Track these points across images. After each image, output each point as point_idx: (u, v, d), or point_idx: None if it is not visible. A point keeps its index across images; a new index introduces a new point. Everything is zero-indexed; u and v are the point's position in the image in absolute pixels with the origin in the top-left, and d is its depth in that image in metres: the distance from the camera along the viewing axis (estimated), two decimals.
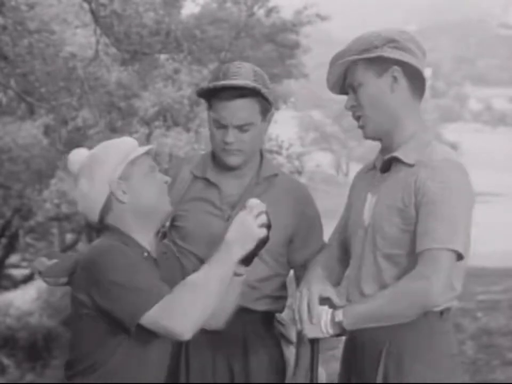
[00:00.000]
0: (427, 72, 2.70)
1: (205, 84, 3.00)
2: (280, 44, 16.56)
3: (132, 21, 10.90)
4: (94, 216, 2.59)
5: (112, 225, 2.57)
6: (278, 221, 2.67)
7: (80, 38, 12.76)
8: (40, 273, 2.70)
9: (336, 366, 2.85)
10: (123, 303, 2.38)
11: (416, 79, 2.66)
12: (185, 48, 11.78)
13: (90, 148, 2.68)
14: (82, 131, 13.27)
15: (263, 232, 2.46)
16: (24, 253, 22.09)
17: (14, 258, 21.67)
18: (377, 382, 2.61)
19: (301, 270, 3.07)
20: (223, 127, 2.94)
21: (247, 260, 2.50)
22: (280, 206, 2.96)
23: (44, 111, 13.13)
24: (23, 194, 15.00)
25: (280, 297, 3.08)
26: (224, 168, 3.02)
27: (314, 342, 2.69)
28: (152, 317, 2.36)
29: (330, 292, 2.68)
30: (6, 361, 15.47)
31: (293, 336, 3.07)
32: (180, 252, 2.89)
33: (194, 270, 2.51)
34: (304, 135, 60.08)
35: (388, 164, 2.69)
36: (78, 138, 13.13)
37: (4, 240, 19.50)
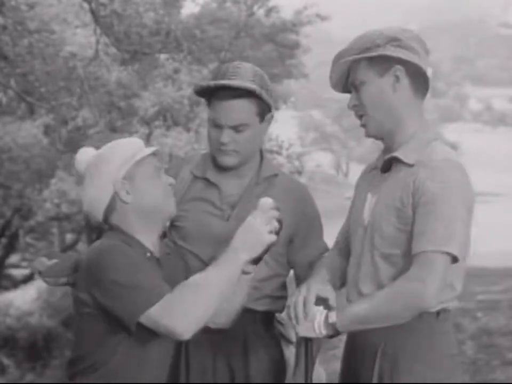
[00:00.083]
0: (430, 71, 2.69)
1: (202, 82, 3.00)
2: (280, 44, 16.57)
3: (131, 21, 10.91)
4: (99, 216, 2.59)
5: (116, 225, 2.58)
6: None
7: (80, 38, 12.76)
8: (40, 273, 2.70)
9: (337, 366, 2.86)
10: (124, 301, 2.38)
11: (418, 78, 2.65)
12: (185, 48, 11.79)
13: (97, 148, 2.68)
14: (82, 131, 13.28)
15: (272, 238, 2.43)
16: (24, 253, 22.11)
17: (14, 258, 21.69)
18: (373, 382, 2.61)
19: (301, 270, 3.07)
20: (219, 126, 2.93)
21: (256, 259, 2.48)
22: (280, 206, 2.96)
23: (44, 111, 13.14)
24: (23, 194, 15.01)
25: (280, 297, 3.08)
26: (223, 168, 3.02)
27: (307, 341, 2.69)
28: (153, 316, 2.36)
29: (329, 293, 2.68)
30: (6, 361, 15.48)
31: (293, 336, 3.07)
32: (180, 252, 2.89)
33: (195, 270, 2.51)
34: (304, 135, 60.12)
35: (388, 164, 2.69)
36: (78, 138, 13.13)
37: (4, 240, 19.51)
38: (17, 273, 21.72)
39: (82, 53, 11.95)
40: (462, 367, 2.72)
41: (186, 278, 2.54)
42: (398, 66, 2.62)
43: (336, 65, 2.71)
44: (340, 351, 2.86)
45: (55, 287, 2.87)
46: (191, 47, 11.97)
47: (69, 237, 21.99)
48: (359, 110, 2.70)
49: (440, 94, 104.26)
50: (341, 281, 2.84)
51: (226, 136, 2.92)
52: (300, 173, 15.26)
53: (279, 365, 3.06)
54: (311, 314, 2.61)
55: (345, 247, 2.88)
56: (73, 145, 13.30)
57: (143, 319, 2.37)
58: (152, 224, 2.59)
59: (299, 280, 3.07)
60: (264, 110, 2.97)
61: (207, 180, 3.04)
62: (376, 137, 2.74)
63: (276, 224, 2.44)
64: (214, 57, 14.24)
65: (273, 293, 3.05)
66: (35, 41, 10.34)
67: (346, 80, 2.75)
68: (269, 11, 15.87)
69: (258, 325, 3.02)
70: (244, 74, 2.92)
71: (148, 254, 2.56)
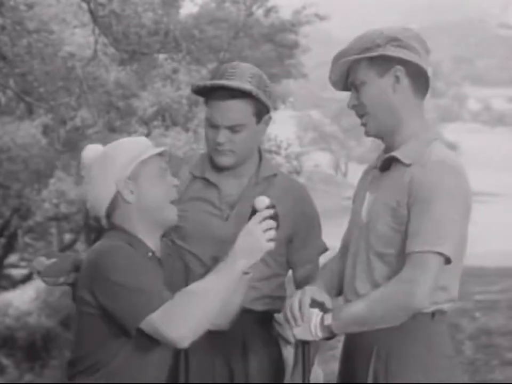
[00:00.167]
0: (430, 71, 2.68)
1: (200, 82, 3.00)
2: (279, 44, 16.56)
3: (130, 21, 10.91)
4: (101, 213, 2.59)
5: (118, 225, 2.57)
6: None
7: (79, 38, 12.76)
8: (39, 273, 2.70)
9: (335, 366, 2.86)
10: (125, 304, 2.38)
11: (419, 78, 2.65)
12: (183, 48, 11.78)
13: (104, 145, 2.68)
14: (81, 131, 13.28)
15: (270, 245, 2.46)
16: (23, 253, 22.11)
17: (12, 258, 21.68)
18: (368, 383, 2.61)
19: (300, 270, 3.08)
20: (216, 127, 2.93)
21: None
22: (279, 206, 2.95)
23: (43, 111, 13.15)
24: (22, 194, 14.99)
25: (279, 297, 3.08)
26: (220, 168, 3.02)
27: (304, 343, 2.69)
28: (152, 323, 2.36)
29: (323, 296, 2.69)
30: (4, 361, 15.48)
31: (291, 336, 3.07)
32: (178, 252, 2.89)
33: (194, 270, 2.51)
34: (302, 135, 60.10)
35: (387, 163, 2.69)
36: (77, 138, 13.14)
37: (2, 240, 19.50)
38: (16, 273, 21.71)
39: (81, 53, 11.96)
40: (460, 369, 2.71)
41: (186, 278, 2.54)
42: (398, 67, 2.61)
43: (336, 65, 2.71)
44: (338, 352, 2.86)
45: (53, 287, 2.88)
46: (190, 47, 11.97)
47: (68, 237, 21.98)
48: (359, 110, 2.70)
49: (439, 94, 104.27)
50: (341, 285, 2.84)
51: (223, 136, 2.92)
52: (298, 172, 15.27)
53: (278, 364, 3.05)
54: (306, 316, 2.62)
55: (347, 249, 2.88)
56: (71, 145, 13.32)
57: (143, 324, 2.37)
58: (154, 224, 2.59)
59: (297, 281, 3.07)
60: (262, 110, 2.96)
61: (206, 180, 3.04)
62: (376, 137, 2.74)
63: (273, 233, 2.47)
64: (213, 57, 14.23)
65: (272, 293, 3.05)
66: (34, 41, 10.34)
67: (346, 79, 2.74)
68: (268, 11, 15.87)
69: (257, 325, 3.02)
70: (242, 75, 2.91)
71: (150, 254, 2.56)
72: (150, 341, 2.45)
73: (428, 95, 2.73)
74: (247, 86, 2.88)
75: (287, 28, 16.36)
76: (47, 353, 15.69)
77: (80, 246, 20.06)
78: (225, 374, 2.99)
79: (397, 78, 2.63)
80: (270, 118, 3.03)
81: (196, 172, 3.07)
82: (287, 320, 2.67)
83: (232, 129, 2.92)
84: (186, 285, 2.62)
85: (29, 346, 15.85)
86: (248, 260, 2.44)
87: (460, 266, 2.59)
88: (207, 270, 2.86)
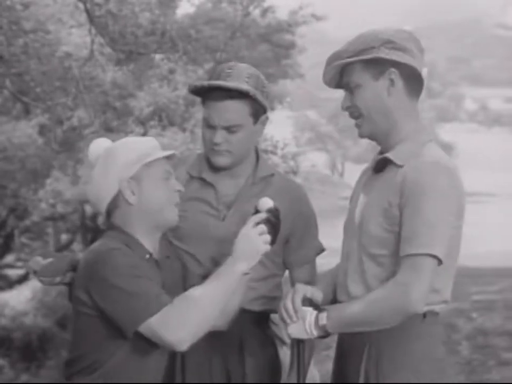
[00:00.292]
0: (425, 71, 2.69)
1: (197, 82, 3.00)
2: (276, 44, 16.55)
3: (127, 21, 10.90)
4: (102, 210, 2.58)
5: (117, 224, 2.57)
6: None
7: (75, 38, 12.75)
8: (35, 272, 2.70)
9: (330, 366, 2.86)
10: (123, 307, 2.38)
11: (413, 79, 2.65)
12: (180, 48, 11.77)
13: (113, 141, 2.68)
14: (78, 131, 13.28)
15: (267, 248, 2.51)
16: (19, 253, 22.08)
17: (9, 258, 21.66)
18: (359, 383, 2.61)
19: (296, 270, 3.08)
20: (212, 127, 2.93)
21: None
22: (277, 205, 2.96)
23: (39, 111, 13.14)
24: (19, 193, 14.99)
25: (276, 297, 3.08)
26: (217, 168, 3.02)
27: (299, 342, 2.70)
28: (150, 327, 2.37)
29: (316, 294, 2.70)
30: (0, 361, 15.46)
31: (286, 336, 3.07)
32: (176, 252, 2.89)
33: (192, 270, 2.50)
34: (299, 135, 60.17)
35: (381, 165, 2.69)
36: (73, 138, 13.14)
37: None
38: (12, 273, 21.68)
39: (78, 53, 11.95)
40: (452, 371, 2.72)
41: (183, 278, 2.53)
42: (393, 70, 2.62)
43: (330, 67, 2.71)
44: (333, 352, 2.86)
45: (49, 287, 2.88)
46: (187, 47, 11.96)
47: (64, 237, 21.98)
48: (354, 111, 2.70)
49: (436, 94, 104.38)
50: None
51: (219, 136, 2.92)
52: (295, 173, 15.26)
53: (275, 364, 3.06)
54: (300, 314, 2.63)
55: None
56: (68, 146, 13.32)
57: (142, 328, 2.37)
58: (153, 226, 2.58)
59: (294, 281, 3.07)
60: (258, 111, 2.96)
61: (203, 180, 3.04)
62: (370, 138, 2.74)
63: (268, 238, 2.52)
64: (210, 58, 14.21)
65: (269, 293, 3.05)
66: (30, 41, 10.33)
67: (340, 78, 2.74)
68: (265, 11, 15.85)
69: (254, 325, 3.02)
70: (239, 75, 2.91)
71: (147, 256, 2.56)
72: (147, 342, 2.45)
73: (424, 96, 2.74)
74: (244, 87, 2.88)
75: (283, 28, 16.35)
76: (43, 353, 15.67)
77: (76, 246, 20.06)
78: (222, 374, 2.99)
79: (392, 81, 2.63)
80: (267, 118, 3.04)
81: (193, 172, 3.07)
82: (282, 320, 2.68)
83: (229, 129, 2.92)
84: (184, 284, 2.62)
85: (25, 347, 15.83)
86: (248, 262, 2.47)
87: (453, 267, 2.60)
88: (204, 270, 2.86)
